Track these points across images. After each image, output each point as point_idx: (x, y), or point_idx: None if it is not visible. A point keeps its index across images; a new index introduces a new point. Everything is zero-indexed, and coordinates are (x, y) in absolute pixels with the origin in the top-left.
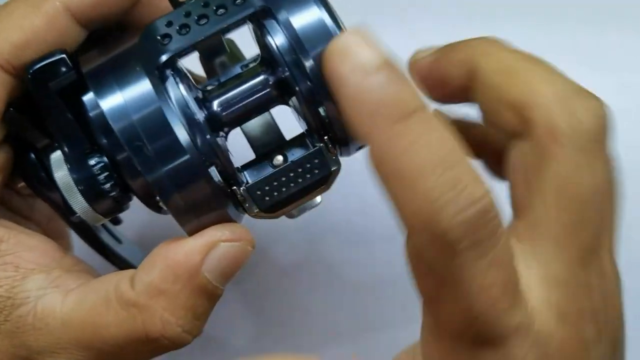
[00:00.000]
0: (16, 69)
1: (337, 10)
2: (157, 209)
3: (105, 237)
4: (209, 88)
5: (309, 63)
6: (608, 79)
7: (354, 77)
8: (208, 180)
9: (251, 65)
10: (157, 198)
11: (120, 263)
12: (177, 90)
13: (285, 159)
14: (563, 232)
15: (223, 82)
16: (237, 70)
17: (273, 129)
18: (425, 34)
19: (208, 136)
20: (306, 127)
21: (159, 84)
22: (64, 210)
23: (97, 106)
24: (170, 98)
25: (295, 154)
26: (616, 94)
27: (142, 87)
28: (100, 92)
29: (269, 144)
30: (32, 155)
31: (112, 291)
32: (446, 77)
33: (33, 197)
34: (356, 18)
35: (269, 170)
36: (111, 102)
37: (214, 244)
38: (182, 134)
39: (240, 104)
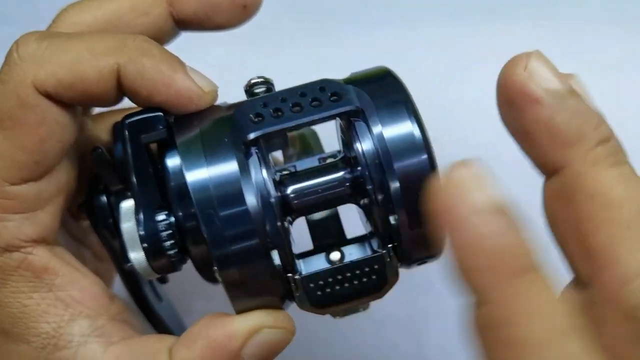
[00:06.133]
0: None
1: (337, 11)
2: (210, 279)
3: (148, 291)
4: (285, 172)
5: (392, 176)
6: (608, 78)
7: (474, 219)
8: (268, 263)
9: (329, 160)
10: (215, 269)
11: (155, 320)
12: (258, 171)
13: (342, 257)
14: None
15: (301, 170)
16: (315, 161)
17: (336, 223)
18: (423, 34)
19: (279, 223)
20: (370, 230)
21: (244, 160)
22: (119, 256)
23: (180, 171)
24: (251, 176)
25: (354, 255)
26: (616, 93)
27: (229, 164)
28: (187, 159)
29: (329, 237)
30: (104, 199)
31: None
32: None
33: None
34: (356, 18)
35: (325, 265)
36: (196, 174)
37: (259, 328)
38: (255, 216)
39: (314, 196)
